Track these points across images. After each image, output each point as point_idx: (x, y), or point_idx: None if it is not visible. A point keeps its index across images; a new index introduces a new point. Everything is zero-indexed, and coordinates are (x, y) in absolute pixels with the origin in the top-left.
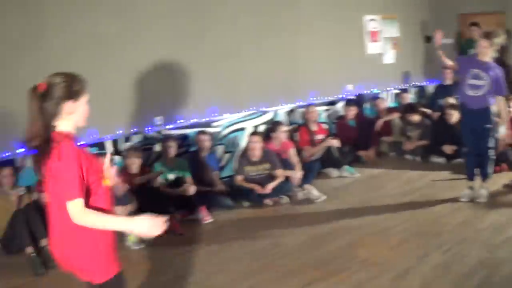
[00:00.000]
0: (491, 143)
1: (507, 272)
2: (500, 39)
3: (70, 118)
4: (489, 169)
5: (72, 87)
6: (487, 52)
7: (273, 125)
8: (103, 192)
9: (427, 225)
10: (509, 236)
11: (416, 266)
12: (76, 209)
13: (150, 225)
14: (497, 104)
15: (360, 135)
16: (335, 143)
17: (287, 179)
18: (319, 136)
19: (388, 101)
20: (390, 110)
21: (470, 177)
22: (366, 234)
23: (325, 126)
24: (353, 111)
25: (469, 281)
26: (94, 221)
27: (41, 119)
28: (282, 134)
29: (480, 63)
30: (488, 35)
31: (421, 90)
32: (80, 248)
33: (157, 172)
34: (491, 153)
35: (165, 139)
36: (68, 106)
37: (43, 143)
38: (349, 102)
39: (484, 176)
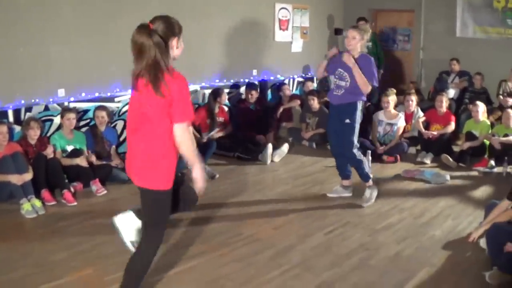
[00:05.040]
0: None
1: (384, 255)
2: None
3: (172, 52)
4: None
5: (175, 26)
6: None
7: None
8: None
9: (313, 207)
10: (390, 222)
11: (298, 244)
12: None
13: (201, 177)
14: None
15: (260, 120)
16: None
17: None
18: (220, 119)
19: (291, 89)
20: (292, 97)
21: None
22: (253, 213)
23: (226, 109)
24: (254, 95)
25: (347, 261)
26: (190, 142)
27: (149, 52)
28: None
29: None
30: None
31: (324, 80)
32: (157, 166)
33: None
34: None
35: (65, 111)
36: (173, 41)
37: (152, 72)
38: (250, 86)
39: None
